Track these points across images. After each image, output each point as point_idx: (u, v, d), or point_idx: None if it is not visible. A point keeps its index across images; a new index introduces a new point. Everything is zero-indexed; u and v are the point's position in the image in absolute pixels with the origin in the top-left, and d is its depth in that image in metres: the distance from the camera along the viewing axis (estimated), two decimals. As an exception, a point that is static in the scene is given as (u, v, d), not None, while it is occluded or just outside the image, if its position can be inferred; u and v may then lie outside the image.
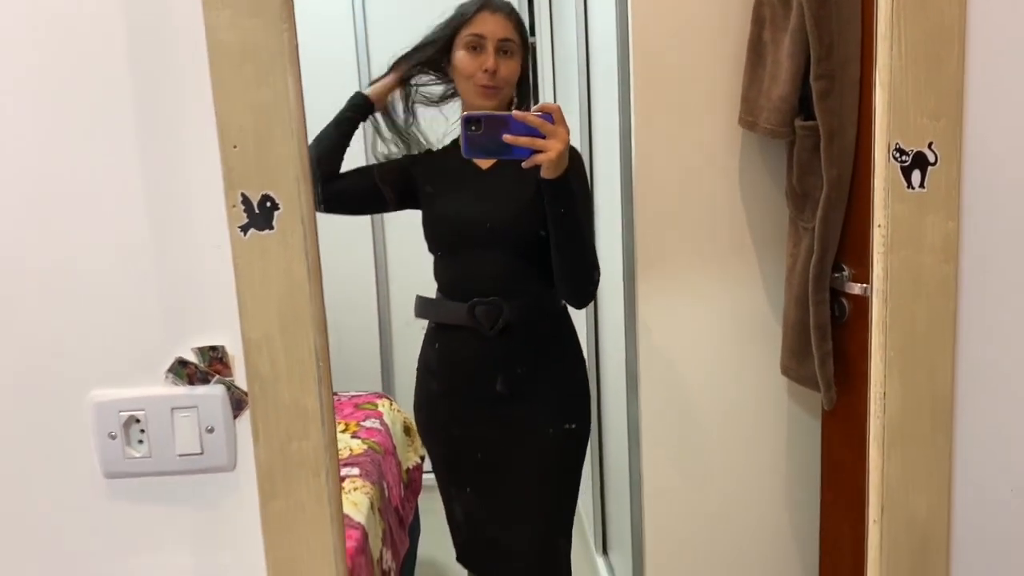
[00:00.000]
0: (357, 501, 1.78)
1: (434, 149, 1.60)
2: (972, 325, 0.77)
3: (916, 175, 0.72)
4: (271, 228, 0.70)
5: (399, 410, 2.47)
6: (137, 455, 0.76)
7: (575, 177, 1.39)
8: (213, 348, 0.74)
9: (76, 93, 0.72)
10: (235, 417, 0.76)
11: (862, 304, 1.38)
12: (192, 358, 0.75)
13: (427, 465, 1.73)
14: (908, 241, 0.73)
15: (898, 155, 0.72)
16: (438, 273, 1.56)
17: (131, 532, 0.78)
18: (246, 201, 0.70)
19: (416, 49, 1.53)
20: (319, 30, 2.87)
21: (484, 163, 1.51)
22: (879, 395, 0.75)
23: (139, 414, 0.75)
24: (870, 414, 0.77)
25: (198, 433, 0.75)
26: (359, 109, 1.54)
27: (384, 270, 3.00)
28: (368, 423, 2.25)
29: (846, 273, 1.40)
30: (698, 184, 1.55)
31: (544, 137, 1.27)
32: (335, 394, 2.47)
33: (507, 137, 1.26)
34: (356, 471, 1.92)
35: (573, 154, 1.37)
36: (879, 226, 0.73)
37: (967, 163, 0.74)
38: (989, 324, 0.78)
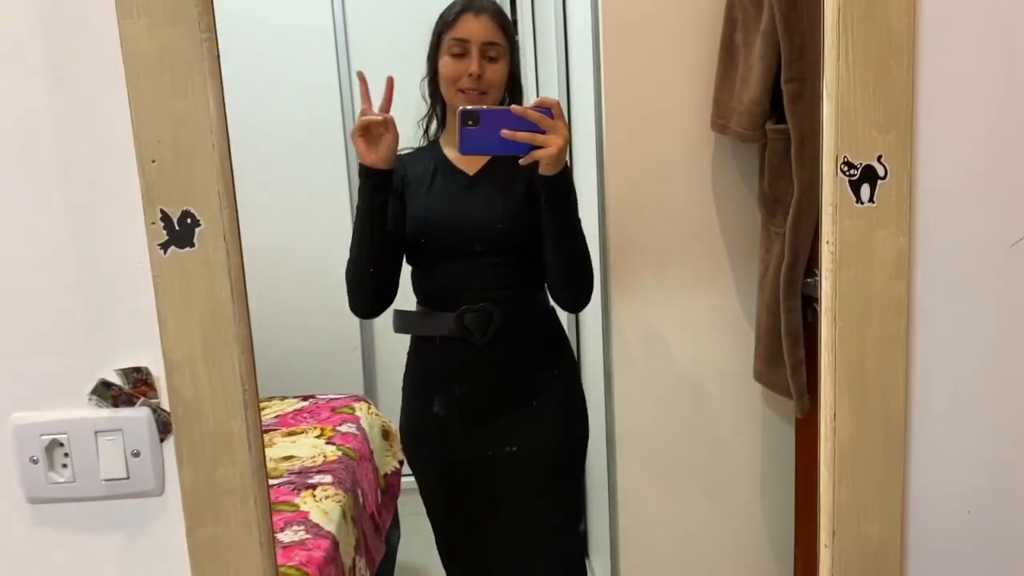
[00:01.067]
0: (328, 510, 1.75)
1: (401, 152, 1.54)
2: (925, 344, 0.75)
3: (865, 189, 0.70)
4: (192, 246, 0.67)
5: (377, 414, 2.44)
6: (61, 480, 0.73)
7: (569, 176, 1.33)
8: (137, 369, 0.72)
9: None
10: (162, 440, 0.73)
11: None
12: (116, 380, 0.72)
13: (406, 469, 1.70)
14: (858, 258, 0.71)
15: (846, 169, 0.69)
16: (419, 284, 1.47)
17: (56, 559, 0.75)
18: (166, 218, 0.67)
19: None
20: (298, 43, 2.83)
21: (471, 167, 1.44)
22: (829, 417, 0.73)
23: (62, 437, 0.72)
24: (820, 436, 0.74)
25: (123, 457, 0.73)
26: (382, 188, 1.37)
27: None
28: (344, 428, 2.22)
29: (818, 279, 1.38)
30: (671, 188, 1.52)
31: (543, 133, 1.22)
32: (312, 397, 2.46)
33: (505, 132, 1.19)
34: (329, 479, 1.89)
35: None
36: (827, 243, 0.70)
37: (919, 176, 0.71)
38: (943, 343, 0.75)
